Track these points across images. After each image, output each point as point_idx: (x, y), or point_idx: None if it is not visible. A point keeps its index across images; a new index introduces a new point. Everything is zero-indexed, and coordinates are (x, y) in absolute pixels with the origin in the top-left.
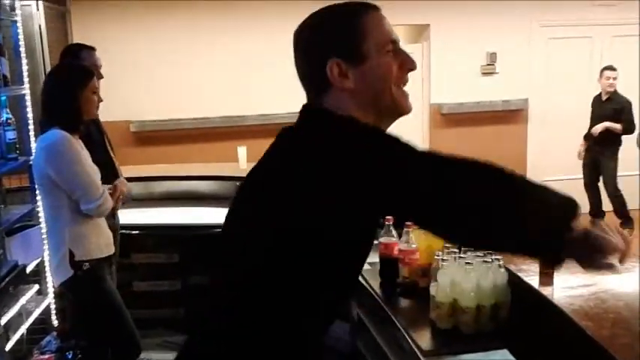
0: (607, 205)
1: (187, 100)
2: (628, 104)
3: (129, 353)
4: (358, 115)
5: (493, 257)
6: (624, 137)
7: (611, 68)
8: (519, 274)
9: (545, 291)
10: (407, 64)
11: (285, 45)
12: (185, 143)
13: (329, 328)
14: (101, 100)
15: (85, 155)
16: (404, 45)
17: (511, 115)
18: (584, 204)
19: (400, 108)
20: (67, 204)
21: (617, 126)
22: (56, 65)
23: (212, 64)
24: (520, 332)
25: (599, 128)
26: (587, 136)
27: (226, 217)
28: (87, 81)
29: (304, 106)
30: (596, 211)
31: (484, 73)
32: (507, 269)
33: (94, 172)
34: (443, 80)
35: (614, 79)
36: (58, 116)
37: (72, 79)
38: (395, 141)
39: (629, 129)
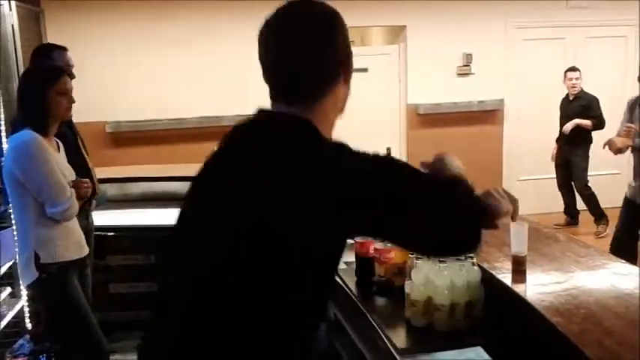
0: (581, 204)
1: (163, 100)
2: (595, 101)
3: (97, 358)
4: (327, 126)
5: (466, 255)
6: (595, 135)
7: (573, 69)
8: (492, 271)
9: (518, 288)
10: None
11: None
12: (161, 144)
13: (315, 332)
14: (73, 102)
15: (57, 158)
16: (381, 46)
17: (487, 115)
18: (558, 203)
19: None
20: (32, 205)
21: (587, 122)
22: (28, 66)
23: (188, 65)
24: (493, 329)
25: (569, 126)
26: (559, 138)
27: (180, 220)
28: (54, 82)
29: (281, 114)
30: (571, 210)
31: (460, 74)
32: (481, 267)
33: (64, 176)
34: (419, 81)
35: (577, 79)
36: (28, 117)
37: (39, 81)
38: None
39: (598, 124)
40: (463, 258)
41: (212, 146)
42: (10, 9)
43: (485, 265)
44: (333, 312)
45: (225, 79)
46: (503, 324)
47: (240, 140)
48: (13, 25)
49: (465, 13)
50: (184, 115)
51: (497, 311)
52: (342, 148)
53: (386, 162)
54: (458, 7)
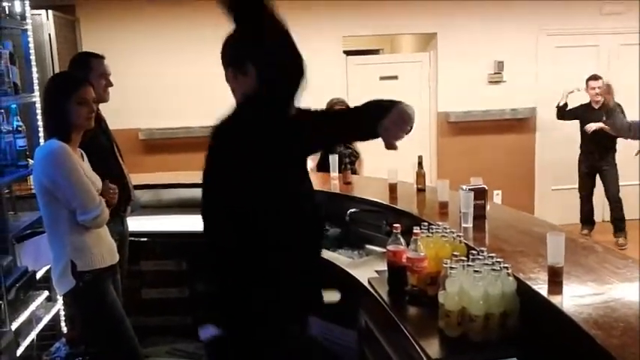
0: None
1: (196, 108)
2: (617, 106)
3: None
4: None
5: (502, 265)
6: (620, 147)
7: (594, 78)
8: (528, 282)
9: (555, 299)
10: None
11: None
12: (193, 151)
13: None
14: (93, 111)
15: (84, 166)
16: (411, 54)
17: (518, 123)
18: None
19: None
20: (66, 214)
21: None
22: (51, 76)
23: (221, 72)
24: (529, 341)
25: (593, 126)
26: (583, 146)
27: None
28: (71, 92)
29: None
30: (588, 219)
31: (491, 82)
32: (516, 277)
33: (92, 183)
34: (450, 88)
35: (599, 87)
36: (51, 126)
37: (58, 90)
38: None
39: (621, 129)
40: (499, 268)
41: None
42: (47, 18)
43: (521, 276)
44: (364, 320)
45: None
46: (538, 335)
47: None
48: (50, 34)
49: (497, 20)
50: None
51: (532, 322)
52: None
53: None
54: (489, 14)
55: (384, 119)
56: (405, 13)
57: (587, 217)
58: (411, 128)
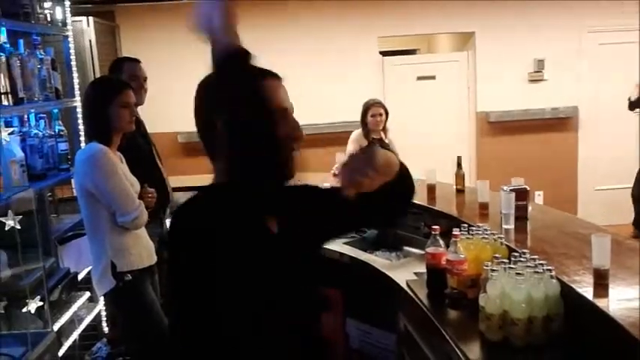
0: None
1: None
2: None
3: None
4: None
5: (545, 268)
6: None
7: None
8: (572, 285)
9: (601, 303)
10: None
11: (325, 58)
12: None
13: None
14: (135, 115)
15: (123, 168)
16: (449, 53)
17: (560, 123)
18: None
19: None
20: (106, 216)
21: None
22: (92, 80)
23: None
24: (573, 345)
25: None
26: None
27: None
28: (114, 96)
29: None
30: None
31: (532, 81)
32: (560, 280)
33: (131, 185)
34: (489, 88)
35: None
36: (92, 130)
37: (100, 93)
38: None
39: None
40: (541, 271)
41: None
42: (88, 24)
43: (565, 278)
44: (403, 323)
45: (293, 90)
46: (583, 340)
47: None
48: (90, 40)
49: (537, 18)
50: None
51: (577, 326)
52: None
53: None
54: (529, 11)
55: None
56: (443, 13)
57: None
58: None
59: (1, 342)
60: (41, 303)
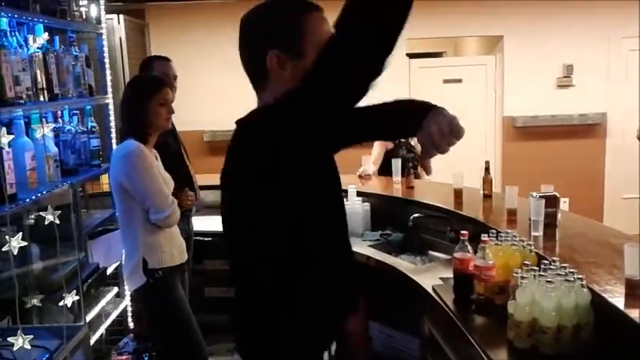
0: None
1: None
2: None
3: None
4: None
5: (576, 277)
6: None
7: None
8: (603, 294)
9: (632, 313)
10: None
11: None
12: None
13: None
14: (172, 112)
15: (159, 166)
16: (476, 56)
17: (588, 129)
18: None
19: None
20: (140, 213)
21: None
22: (132, 77)
23: None
24: (603, 355)
25: None
26: None
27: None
28: (153, 94)
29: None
30: None
31: (560, 86)
32: (590, 289)
33: (165, 183)
34: (516, 92)
35: None
36: (129, 127)
37: (139, 92)
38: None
39: None
40: (572, 279)
41: None
42: (119, 22)
43: (596, 288)
44: (428, 328)
45: None
46: (613, 350)
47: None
48: (120, 38)
49: (566, 23)
50: None
51: (607, 336)
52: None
53: None
54: (558, 16)
55: (426, 120)
56: (471, 16)
57: None
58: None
59: (36, 334)
60: (77, 297)
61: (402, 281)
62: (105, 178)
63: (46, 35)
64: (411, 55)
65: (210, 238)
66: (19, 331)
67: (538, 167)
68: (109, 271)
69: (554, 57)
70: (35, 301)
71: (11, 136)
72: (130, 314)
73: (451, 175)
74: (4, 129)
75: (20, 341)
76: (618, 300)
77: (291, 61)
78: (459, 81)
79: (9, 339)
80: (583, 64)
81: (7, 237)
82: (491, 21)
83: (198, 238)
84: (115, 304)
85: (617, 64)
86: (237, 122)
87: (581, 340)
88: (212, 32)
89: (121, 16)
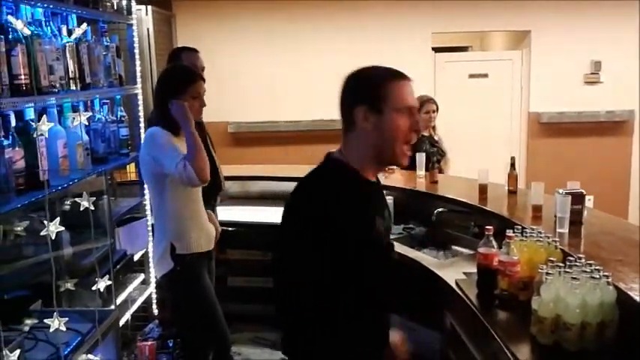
0: None
1: (282, 103)
2: None
3: (219, 348)
4: (360, 151)
5: (601, 274)
6: None
7: None
8: (629, 292)
9: None
10: (413, 126)
11: (378, 53)
12: (280, 145)
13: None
14: (204, 105)
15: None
16: (502, 51)
17: (615, 126)
18: None
19: (397, 161)
20: (169, 198)
21: None
22: (165, 68)
23: (305, 68)
24: (628, 353)
25: None
26: None
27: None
28: (187, 86)
29: (327, 154)
30: None
31: (587, 82)
32: (616, 287)
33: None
34: (543, 88)
35: None
36: (162, 117)
37: (173, 84)
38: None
39: None
40: (598, 277)
41: (324, 149)
42: (147, 14)
43: (622, 286)
44: (450, 322)
45: (340, 84)
46: (637, 348)
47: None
48: (148, 29)
49: (595, 19)
50: (300, 118)
51: (632, 334)
52: (317, 211)
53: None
54: (587, 11)
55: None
56: (498, 10)
57: None
58: None
59: (68, 318)
60: (110, 282)
61: (424, 275)
62: (132, 167)
63: (84, 26)
64: (436, 50)
65: (233, 228)
66: (55, 314)
67: (563, 164)
68: (136, 257)
69: (582, 53)
70: (69, 285)
71: (51, 124)
72: (154, 301)
73: (476, 170)
74: (44, 117)
75: (56, 323)
76: None
77: (373, 116)
78: (485, 76)
79: (45, 321)
80: (611, 60)
81: (45, 222)
82: (519, 16)
83: (222, 227)
84: (141, 291)
85: None
86: (326, 156)
87: (605, 338)
88: (237, 24)
89: (149, 7)
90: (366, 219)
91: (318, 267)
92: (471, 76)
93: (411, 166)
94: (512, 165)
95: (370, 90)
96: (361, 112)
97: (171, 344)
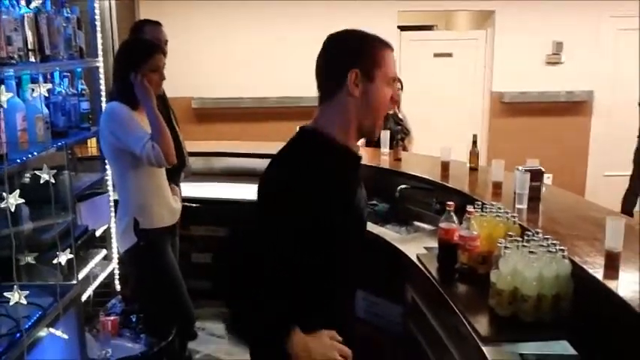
0: None
1: (246, 79)
2: None
3: (183, 323)
4: (343, 122)
5: (558, 248)
6: None
7: None
8: (584, 265)
9: (611, 284)
10: (394, 98)
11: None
12: (243, 121)
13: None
14: (164, 79)
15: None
16: (467, 31)
17: (574, 106)
18: None
19: (374, 133)
20: (132, 174)
21: None
22: (124, 40)
23: (271, 45)
24: (582, 324)
25: None
26: None
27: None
28: (146, 59)
29: (300, 128)
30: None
31: (549, 63)
32: (571, 260)
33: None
34: (506, 68)
35: None
36: (121, 91)
37: (131, 56)
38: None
39: None
40: (554, 251)
41: (291, 126)
42: None
43: (577, 259)
44: (411, 295)
45: (306, 61)
46: (591, 320)
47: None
48: (110, 1)
49: (558, 0)
50: (265, 95)
51: (585, 306)
52: (286, 184)
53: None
54: None
55: None
56: None
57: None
58: None
59: (30, 293)
60: (71, 256)
61: (386, 250)
62: (92, 142)
63: None
64: (402, 28)
65: (197, 205)
66: (15, 287)
67: (524, 143)
68: (98, 233)
69: (544, 34)
70: (30, 259)
71: (10, 94)
72: (117, 277)
73: (438, 148)
74: (2, 87)
75: (16, 296)
76: (598, 271)
77: (362, 83)
78: (450, 55)
79: (5, 294)
80: (572, 41)
81: (3, 194)
82: None
83: (185, 204)
84: (103, 267)
85: (605, 43)
86: (301, 130)
87: (560, 309)
88: None
89: None
90: (351, 196)
91: (293, 243)
92: (436, 55)
93: (375, 144)
94: (474, 143)
95: (365, 54)
96: (353, 76)
97: (134, 319)
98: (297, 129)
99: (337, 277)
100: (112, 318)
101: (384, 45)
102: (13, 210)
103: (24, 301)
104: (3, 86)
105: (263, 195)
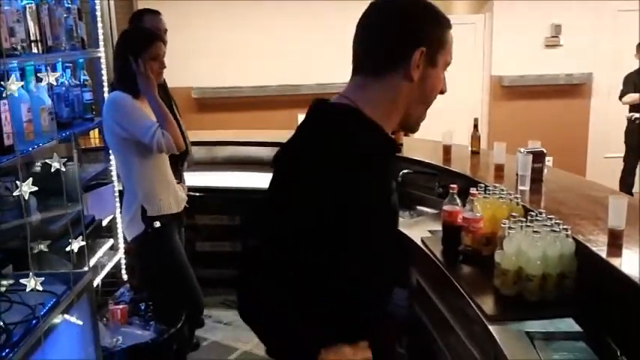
0: None
1: (246, 68)
2: None
3: (191, 311)
4: (389, 107)
5: (561, 227)
6: None
7: None
8: (587, 244)
9: (614, 261)
10: (443, 89)
11: (344, 16)
12: (243, 110)
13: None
14: (164, 67)
15: (148, 114)
16: (465, 15)
17: (574, 89)
18: None
19: (417, 126)
20: (137, 162)
21: None
22: (124, 30)
23: (271, 33)
24: (585, 302)
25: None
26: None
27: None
28: (146, 47)
29: (322, 101)
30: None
31: (548, 46)
32: (575, 239)
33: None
34: (505, 52)
35: None
36: (121, 80)
37: (130, 45)
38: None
39: None
40: (558, 230)
41: (291, 114)
42: None
43: (580, 238)
44: (416, 278)
45: (305, 49)
46: (595, 297)
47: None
48: None
49: None
50: (265, 83)
51: (590, 284)
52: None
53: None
54: None
55: None
56: None
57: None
58: None
59: (43, 281)
60: (83, 243)
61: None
62: (95, 133)
63: None
64: None
65: (201, 194)
66: (30, 274)
67: (523, 126)
68: (104, 223)
69: (543, 17)
70: (43, 247)
71: (20, 83)
72: (123, 266)
73: (440, 133)
74: (13, 76)
75: (32, 283)
76: (601, 249)
77: (424, 66)
78: None
79: (21, 281)
80: (571, 24)
81: (11, 185)
82: None
83: (189, 193)
84: (110, 257)
85: (604, 25)
86: (316, 106)
87: (564, 288)
88: None
89: None
90: (389, 188)
91: (325, 237)
92: None
93: None
94: (475, 126)
95: (434, 32)
96: (418, 55)
97: (143, 307)
98: (315, 102)
99: (375, 275)
100: (121, 306)
101: (450, 25)
102: (27, 198)
103: (40, 287)
104: (13, 75)
105: (287, 181)
